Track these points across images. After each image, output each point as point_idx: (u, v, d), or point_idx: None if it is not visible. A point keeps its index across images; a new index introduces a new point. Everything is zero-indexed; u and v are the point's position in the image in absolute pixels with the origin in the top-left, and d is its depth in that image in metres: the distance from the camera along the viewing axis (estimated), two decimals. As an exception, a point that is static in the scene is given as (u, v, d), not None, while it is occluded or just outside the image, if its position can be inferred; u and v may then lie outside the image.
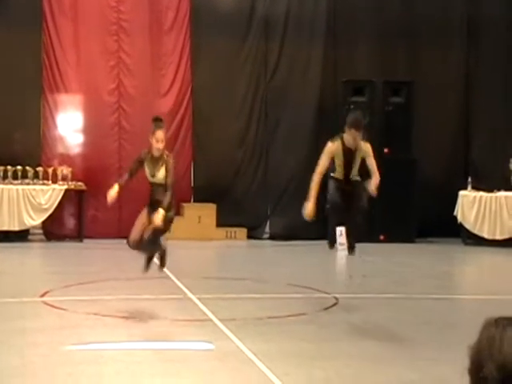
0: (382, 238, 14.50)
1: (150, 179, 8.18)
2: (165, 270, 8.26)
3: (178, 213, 14.53)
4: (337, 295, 9.37)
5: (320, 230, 14.95)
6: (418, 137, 14.99)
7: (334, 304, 8.95)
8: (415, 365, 6.41)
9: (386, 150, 14.80)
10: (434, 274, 11.55)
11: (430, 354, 6.73)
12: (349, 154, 8.23)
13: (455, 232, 14.87)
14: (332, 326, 7.85)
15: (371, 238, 14.37)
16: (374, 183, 8.14)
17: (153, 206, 8.02)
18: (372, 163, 8.25)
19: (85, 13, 14.53)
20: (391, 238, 14.40)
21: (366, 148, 8.29)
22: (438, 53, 15.71)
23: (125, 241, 13.79)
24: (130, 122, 14.73)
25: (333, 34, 15.46)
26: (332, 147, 8.23)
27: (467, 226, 14.73)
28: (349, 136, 8.14)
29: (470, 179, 14.90)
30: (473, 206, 14.68)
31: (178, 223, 14.27)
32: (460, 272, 13.09)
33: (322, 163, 8.18)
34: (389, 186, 14.55)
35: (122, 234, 14.42)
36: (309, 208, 8.13)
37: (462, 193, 14.82)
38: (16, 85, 14.06)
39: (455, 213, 14.72)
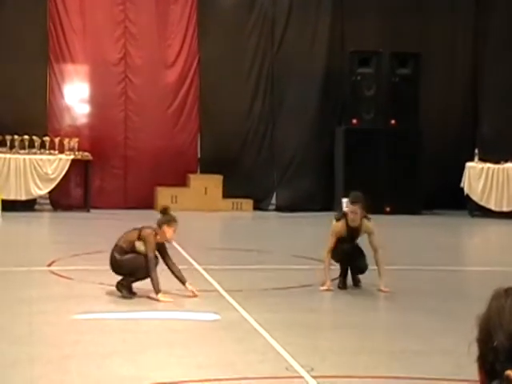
0: (387, 209, 14.47)
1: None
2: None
3: (185, 184, 14.59)
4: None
5: (326, 202, 15.00)
6: (424, 109, 14.91)
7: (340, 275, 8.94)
8: (421, 335, 6.45)
9: (392, 122, 14.77)
10: (440, 246, 11.56)
11: (437, 325, 6.76)
12: (353, 232, 8.21)
13: (462, 204, 14.85)
14: (337, 297, 7.88)
15: (377, 209, 14.29)
16: (382, 282, 8.05)
17: None
18: (375, 241, 8.18)
19: (91, -19, 14.44)
20: (397, 210, 14.38)
21: (370, 226, 8.24)
22: (446, 24, 15.59)
23: (131, 211, 13.85)
24: (137, 93, 14.69)
25: (340, 5, 15.35)
26: (337, 227, 8.18)
27: (474, 197, 14.71)
28: (351, 212, 8.12)
29: (476, 151, 14.85)
30: (480, 178, 14.66)
31: (184, 194, 14.38)
32: (467, 244, 13.11)
33: (330, 244, 8.12)
34: (395, 158, 14.59)
35: (128, 204, 14.55)
36: (328, 285, 8.00)
37: (468, 164, 14.79)
38: (22, 54, 14.01)
39: (462, 184, 14.69)
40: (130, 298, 7.54)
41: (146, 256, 7.47)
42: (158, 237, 7.58)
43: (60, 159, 13.79)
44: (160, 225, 7.60)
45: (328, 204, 14.91)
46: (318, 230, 13.07)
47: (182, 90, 14.88)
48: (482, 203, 14.63)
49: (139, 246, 7.57)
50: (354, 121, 14.75)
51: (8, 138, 13.68)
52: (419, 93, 14.91)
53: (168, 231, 7.56)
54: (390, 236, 12.48)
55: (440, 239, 12.32)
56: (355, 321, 6.89)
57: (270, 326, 6.46)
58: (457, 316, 6.79)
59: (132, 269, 7.51)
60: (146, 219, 13.43)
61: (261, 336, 6.26)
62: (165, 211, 7.73)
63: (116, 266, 7.67)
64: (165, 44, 14.74)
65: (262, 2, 15.14)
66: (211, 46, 14.96)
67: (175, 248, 10.36)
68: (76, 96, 14.58)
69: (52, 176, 13.69)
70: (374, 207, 14.21)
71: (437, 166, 15.03)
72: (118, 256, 7.64)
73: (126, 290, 7.57)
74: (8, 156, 13.53)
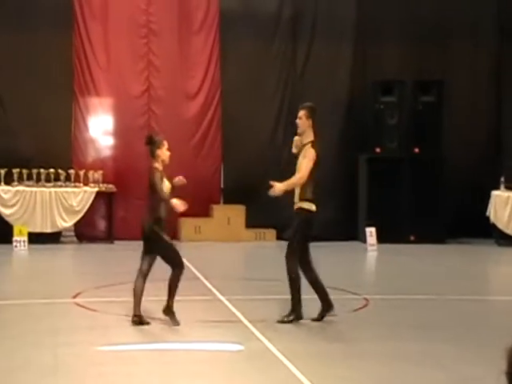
0: (412, 238, 14.42)
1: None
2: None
3: (208, 214, 14.63)
4: (367, 296, 9.35)
5: (349, 231, 14.96)
6: (448, 136, 14.89)
7: (364, 305, 8.93)
8: (448, 364, 6.39)
9: (415, 150, 14.75)
10: (465, 275, 11.47)
11: (461, 355, 6.71)
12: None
13: (487, 232, 14.74)
14: (361, 327, 7.85)
15: (401, 238, 14.31)
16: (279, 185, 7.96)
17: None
18: (302, 165, 7.98)
19: (115, 16, 14.64)
20: (421, 239, 14.32)
21: (309, 150, 8.03)
22: (468, 51, 15.59)
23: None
24: (160, 124, 14.81)
25: (362, 34, 15.41)
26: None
27: (500, 226, 14.59)
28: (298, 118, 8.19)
29: (502, 179, 14.76)
30: (506, 206, 14.55)
31: (207, 224, 14.42)
32: (493, 273, 12.97)
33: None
34: (418, 186, 14.55)
35: (152, 235, 14.58)
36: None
37: (494, 192, 14.69)
38: (48, 88, 14.21)
39: (488, 213, 14.58)
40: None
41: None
42: (157, 164, 7.89)
43: (85, 191, 13.93)
44: (153, 153, 7.93)
45: (351, 233, 14.89)
46: (342, 260, 13.09)
47: (205, 120, 14.99)
48: (508, 232, 14.51)
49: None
50: (377, 149, 14.76)
51: (34, 171, 13.85)
52: (442, 120, 14.90)
53: (162, 153, 7.92)
54: (415, 265, 12.43)
55: (466, 268, 12.23)
56: (380, 350, 6.84)
57: (294, 356, 6.45)
58: (484, 345, 6.73)
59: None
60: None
61: (284, 366, 6.24)
62: (150, 140, 8.02)
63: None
64: (187, 75, 14.87)
65: (283, 32, 15.24)
66: (233, 75, 15.07)
67: (199, 279, 10.41)
68: (100, 128, 14.74)
69: (77, 208, 13.82)
70: (397, 236, 14.37)
71: (462, 194, 14.97)
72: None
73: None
74: (34, 189, 13.69)
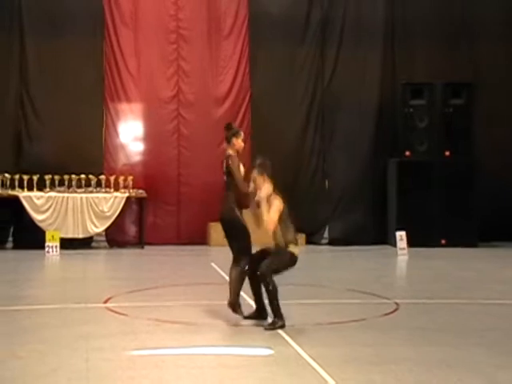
0: (443, 242, 14.33)
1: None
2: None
3: (238, 218, 14.61)
4: (397, 301, 9.29)
5: (379, 235, 14.91)
6: (478, 139, 14.79)
7: (395, 310, 8.87)
8: (482, 370, 6.31)
9: (446, 153, 14.66)
10: (498, 279, 11.33)
11: (498, 360, 6.62)
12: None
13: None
14: (392, 332, 7.80)
15: (432, 242, 14.23)
16: None
17: None
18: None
19: (145, 22, 14.75)
20: (453, 243, 14.23)
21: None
22: (498, 53, 15.47)
23: (184, 247, 13.97)
24: (189, 129, 14.88)
25: (391, 37, 15.37)
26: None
27: (532, 229, 14.47)
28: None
29: (536, 181, 14.62)
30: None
31: (237, 229, 14.42)
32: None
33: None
34: (449, 189, 14.45)
35: (181, 240, 14.70)
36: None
37: (526, 195, 14.57)
38: (79, 95, 14.36)
39: (520, 216, 14.47)
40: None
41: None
42: (231, 151, 8.31)
43: (115, 197, 14.03)
44: (229, 140, 8.34)
45: (381, 237, 14.84)
46: (372, 264, 13.03)
47: (235, 124, 14.97)
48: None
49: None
50: (407, 153, 14.69)
51: (66, 177, 13.97)
52: (473, 123, 14.79)
53: (237, 143, 8.31)
54: (446, 269, 12.33)
55: (499, 272, 12.09)
56: (412, 355, 6.79)
57: (324, 361, 6.43)
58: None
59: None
60: (199, 255, 13.66)
61: (315, 371, 6.22)
62: (229, 126, 8.45)
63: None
64: (217, 80, 14.92)
65: (312, 36, 15.23)
66: (262, 80, 15.08)
67: (227, 282, 10.40)
68: (130, 134, 14.84)
69: (108, 214, 13.93)
70: (428, 240, 14.29)
71: (493, 197, 14.84)
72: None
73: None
74: (66, 195, 13.82)
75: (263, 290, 8.01)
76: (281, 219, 8.06)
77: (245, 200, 8.25)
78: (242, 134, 8.51)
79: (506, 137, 15.35)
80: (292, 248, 8.04)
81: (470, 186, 14.46)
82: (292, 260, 8.07)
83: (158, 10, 14.84)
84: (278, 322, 7.80)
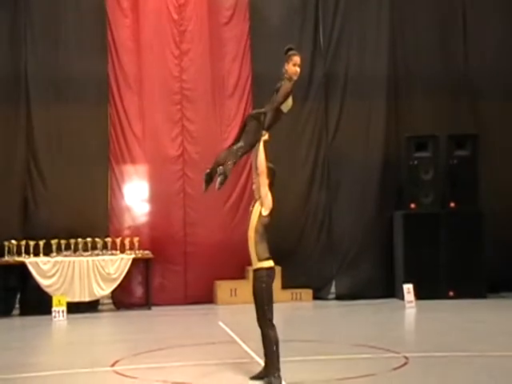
0: (451, 294, 14.24)
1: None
2: None
3: (243, 276, 14.61)
4: (407, 354, 9.21)
5: (386, 288, 14.83)
6: (484, 190, 14.79)
7: (404, 364, 8.80)
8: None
9: (452, 204, 14.67)
10: (508, 331, 11.21)
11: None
12: None
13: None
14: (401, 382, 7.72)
15: (440, 294, 14.14)
16: None
17: None
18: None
19: (149, 84, 14.93)
20: (461, 294, 14.12)
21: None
22: (502, 104, 15.55)
23: (191, 306, 13.94)
24: (195, 189, 14.90)
25: (394, 91, 15.49)
26: None
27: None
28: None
29: (543, 233, 14.55)
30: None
31: (243, 287, 14.36)
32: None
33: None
34: (456, 241, 14.41)
35: (188, 299, 14.65)
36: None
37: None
38: (84, 158, 14.46)
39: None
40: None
41: None
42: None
43: (122, 259, 14.04)
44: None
45: (389, 291, 14.75)
46: (380, 317, 12.94)
47: (239, 183, 15.08)
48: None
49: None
50: (413, 205, 14.70)
51: (72, 241, 14.02)
52: (478, 174, 14.81)
53: (289, 67, 8.10)
54: (455, 321, 12.23)
55: (509, 324, 11.95)
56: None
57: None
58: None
59: None
60: (207, 314, 13.60)
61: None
62: (286, 50, 8.15)
63: None
64: (221, 138, 15.02)
65: (315, 92, 15.37)
66: (270, 138, 15.13)
67: (236, 342, 10.36)
68: (136, 196, 14.90)
69: (114, 276, 13.92)
70: (436, 292, 14.20)
71: (501, 248, 14.77)
72: None
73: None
74: (72, 259, 13.84)
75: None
76: (257, 231, 7.89)
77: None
78: (297, 57, 8.04)
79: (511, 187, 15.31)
80: (266, 263, 7.90)
81: (476, 237, 14.40)
82: (269, 276, 7.87)
83: (163, 72, 15.04)
84: (275, 374, 7.67)
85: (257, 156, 7.98)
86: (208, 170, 8.03)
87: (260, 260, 7.84)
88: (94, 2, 14.80)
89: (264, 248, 7.85)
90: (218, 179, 7.83)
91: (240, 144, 8.10)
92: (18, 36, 14.45)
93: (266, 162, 7.92)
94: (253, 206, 8.09)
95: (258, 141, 7.95)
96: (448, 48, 15.63)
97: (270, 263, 7.87)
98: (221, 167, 7.86)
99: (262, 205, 7.91)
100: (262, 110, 8.15)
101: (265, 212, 7.87)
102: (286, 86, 8.00)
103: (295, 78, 8.10)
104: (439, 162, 14.93)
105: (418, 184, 14.79)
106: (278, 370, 7.72)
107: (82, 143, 14.50)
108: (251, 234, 7.88)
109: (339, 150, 15.34)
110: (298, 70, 8.08)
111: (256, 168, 8.04)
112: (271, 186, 7.97)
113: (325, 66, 15.42)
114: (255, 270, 7.92)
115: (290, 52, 8.14)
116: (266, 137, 7.97)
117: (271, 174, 8.02)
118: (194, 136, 15.14)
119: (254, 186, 8.19)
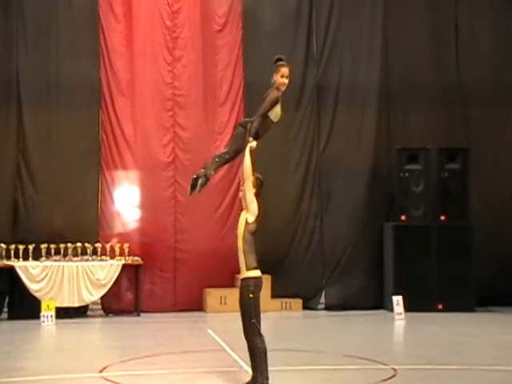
0: (440, 307, 14.25)
1: None
2: None
3: (233, 285, 14.60)
4: (395, 366, 9.22)
5: (376, 299, 14.84)
6: (474, 204, 14.83)
7: (393, 375, 8.80)
8: None
9: (442, 217, 14.70)
10: (497, 345, 11.23)
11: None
12: None
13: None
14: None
15: (429, 307, 14.16)
16: None
17: None
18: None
19: (141, 90, 14.92)
20: (450, 307, 14.14)
21: None
22: (493, 118, 15.61)
23: (180, 314, 13.90)
24: (185, 196, 14.83)
25: (385, 102, 15.53)
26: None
27: (530, 293, 14.38)
28: None
29: (532, 247, 14.59)
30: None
31: (233, 295, 14.31)
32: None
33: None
34: (446, 254, 14.44)
35: (177, 306, 14.62)
36: None
37: (523, 260, 14.52)
38: (75, 163, 14.43)
39: (517, 280, 14.41)
40: None
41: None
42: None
43: (111, 265, 14.00)
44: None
45: (378, 301, 14.77)
46: (368, 329, 12.94)
47: (230, 191, 15.08)
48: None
49: None
50: (403, 217, 14.72)
51: (62, 245, 13.97)
52: (469, 188, 14.85)
53: (277, 78, 8.15)
54: (444, 334, 12.25)
55: (497, 337, 11.97)
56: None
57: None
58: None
59: None
60: (196, 321, 13.58)
61: None
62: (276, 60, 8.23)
63: None
64: (212, 146, 14.99)
65: (307, 102, 15.40)
66: (258, 146, 15.09)
67: (225, 351, 10.34)
68: (126, 202, 14.86)
69: (103, 282, 13.88)
70: (425, 305, 14.21)
71: (490, 262, 14.78)
72: None
73: None
74: (62, 264, 13.79)
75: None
76: (246, 240, 7.84)
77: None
78: (285, 68, 8.11)
79: (502, 201, 15.37)
80: (253, 273, 7.89)
81: (466, 250, 14.43)
82: (256, 286, 7.83)
83: (155, 79, 15.03)
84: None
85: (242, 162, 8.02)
86: (195, 176, 8.12)
87: (248, 269, 7.83)
88: (87, 6, 14.79)
89: (252, 258, 7.84)
90: (199, 181, 7.94)
91: (225, 150, 8.23)
92: (10, 39, 14.43)
93: (252, 169, 7.93)
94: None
95: (244, 148, 7.99)
96: (440, 60, 15.71)
97: (257, 273, 7.86)
98: (202, 170, 7.99)
99: (247, 211, 7.90)
100: (251, 118, 8.21)
101: (250, 219, 7.86)
102: (272, 93, 8.09)
103: (283, 88, 8.17)
104: (430, 175, 14.96)
105: (409, 196, 14.81)
106: (267, 378, 7.70)
107: (73, 147, 14.47)
108: (239, 243, 7.88)
109: (330, 159, 15.36)
110: (286, 81, 8.15)
111: (242, 174, 8.06)
112: (258, 196, 7.95)
113: (317, 74, 15.46)
114: (242, 280, 7.92)
115: (279, 63, 8.22)
116: (253, 144, 7.99)
117: (258, 184, 8.02)
118: (185, 143, 15.13)
119: (240, 194, 8.19)
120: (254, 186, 7.97)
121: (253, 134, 8.04)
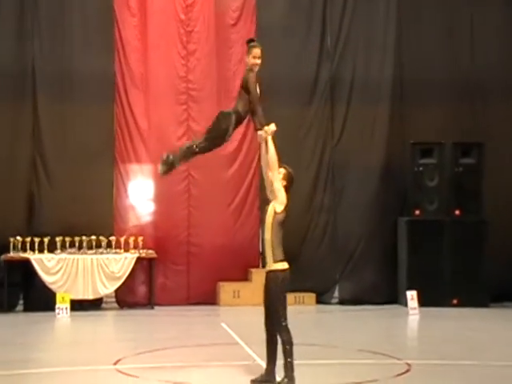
0: (454, 302, 14.22)
1: None
2: None
3: (246, 278, 14.63)
4: (409, 361, 9.22)
5: (389, 294, 14.82)
6: (489, 198, 14.78)
7: (407, 371, 8.80)
8: None
9: (456, 212, 14.66)
10: (510, 340, 11.21)
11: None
12: None
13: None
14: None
15: (443, 302, 14.13)
16: None
17: None
18: None
19: (155, 84, 14.93)
20: (464, 303, 14.10)
21: None
22: (508, 113, 15.53)
23: (193, 307, 13.93)
24: (199, 190, 14.95)
25: (399, 96, 15.48)
26: None
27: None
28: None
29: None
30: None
31: (246, 289, 14.41)
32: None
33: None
34: (460, 249, 14.40)
35: (191, 300, 14.67)
36: None
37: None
38: (90, 156, 14.48)
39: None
40: None
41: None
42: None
43: (125, 258, 14.06)
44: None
45: (392, 296, 14.74)
46: (382, 324, 12.94)
47: (244, 184, 15.09)
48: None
49: None
50: (417, 212, 14.70)
51: (77, 239, 14.04)
52: (483, 182, 14.79)
53: (248, 60, 8.42)
54: (458, 330, 12.23)
55: (511, 333, 11.95)
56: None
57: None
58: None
59: None
60: (209, 315, 13.61)
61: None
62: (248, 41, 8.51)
63: None
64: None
65: (320, 96, 15.37)
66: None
67: (239, 344, 10.38)
68: (141, 195, 14.90)
69: (118, 275, 13.94)
70: (439, 300, 14.19)
71: (505, 257, 14.75)
72: None
73: None
74: (77, 256, 13.86)
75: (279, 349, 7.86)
76: (273, 232, 7.82)
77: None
78: (257, 49, 8.41)
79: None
80: (280, 265, 7.88)
81: (480, 246, 14.39)
82: (285, 279, 7.84)
83: (169, 72, 15.04)
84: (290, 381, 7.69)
85: (266, 153, 8.03)
86: (165, 156, 8.26)
87: (275, 261, 7.82)
88: (102, 0, 14.83)
89: (280, 250, 7.85)
90: (162, 167, 8.11)
91: (198, 141, 8.44)
92: (25, 33, 14.46)
93: (278, 159, 7.97)
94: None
95: (223, 137, 8.13)
96: (455, 54, 15.62)
97: (285, 265, 7.87)
98: (171, 156, 8.13)
99: (275, 200, 7.86)
100: (230, 109, 8.37)
101: (279, 208, 7.84)
102: (251, 78, 8.30)
103: (256, 69, 8.37)
104: (444, 170, 14.92)
105: (423, 191, 14.78)
106: (293, 371, 7.71)
107: (87, 141, 14.51)
108: (267, 235, 7.85)
109: (344, 153, 15.33)
110: (258, 61, 8.39)
111: (266, 164, 8.05)
112: (287, 191, 7.95)
113: (331, 68, 15.42)
114: (269, 272, 7.88)
115: (251, 44, 8.46)
116: (273, 127, 8.10)
117: (289, 178, 8.03)
118: (199, 136, 15.09)
119: (267, 192, 8.18)
120: (284, 179, 7.97)
121: (264, 122, 8.14)
